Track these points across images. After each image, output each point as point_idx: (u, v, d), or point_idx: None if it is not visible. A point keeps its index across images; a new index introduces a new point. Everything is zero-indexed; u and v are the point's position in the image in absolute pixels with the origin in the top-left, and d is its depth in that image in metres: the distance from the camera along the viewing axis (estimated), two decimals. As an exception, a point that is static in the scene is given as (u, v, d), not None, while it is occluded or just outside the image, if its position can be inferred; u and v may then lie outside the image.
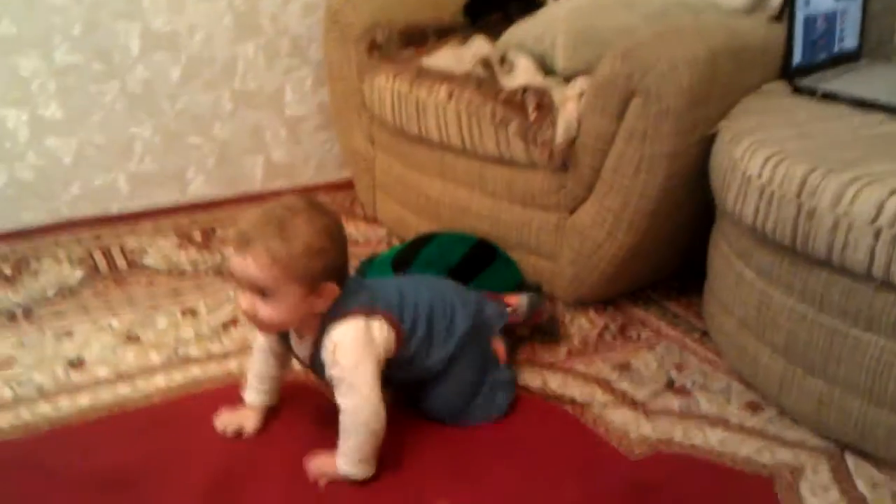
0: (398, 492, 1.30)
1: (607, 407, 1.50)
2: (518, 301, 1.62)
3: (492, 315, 1.52)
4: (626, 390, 1.55)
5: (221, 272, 2.02)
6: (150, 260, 2.11)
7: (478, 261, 1.78)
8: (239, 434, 1.41)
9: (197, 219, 2.35)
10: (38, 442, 1.41)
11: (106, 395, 1.53)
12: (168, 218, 2.34)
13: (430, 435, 1.42)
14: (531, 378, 1.58)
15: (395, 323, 1.35)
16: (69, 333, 1.75)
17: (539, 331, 1.71)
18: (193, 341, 1.71)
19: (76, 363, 1.64)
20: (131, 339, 1.73)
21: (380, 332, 1.32)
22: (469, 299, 1.49)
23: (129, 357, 1.66)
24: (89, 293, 1.94)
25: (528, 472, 1.34)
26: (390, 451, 1.35)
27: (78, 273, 2.03)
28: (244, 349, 1.61)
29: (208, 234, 2.25)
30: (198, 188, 2.45)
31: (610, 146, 1.66)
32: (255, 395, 1.44)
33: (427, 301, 1.41)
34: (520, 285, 1.78)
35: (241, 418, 1.42)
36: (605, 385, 1.57)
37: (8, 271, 2.04)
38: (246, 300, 1.26)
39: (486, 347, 1.49)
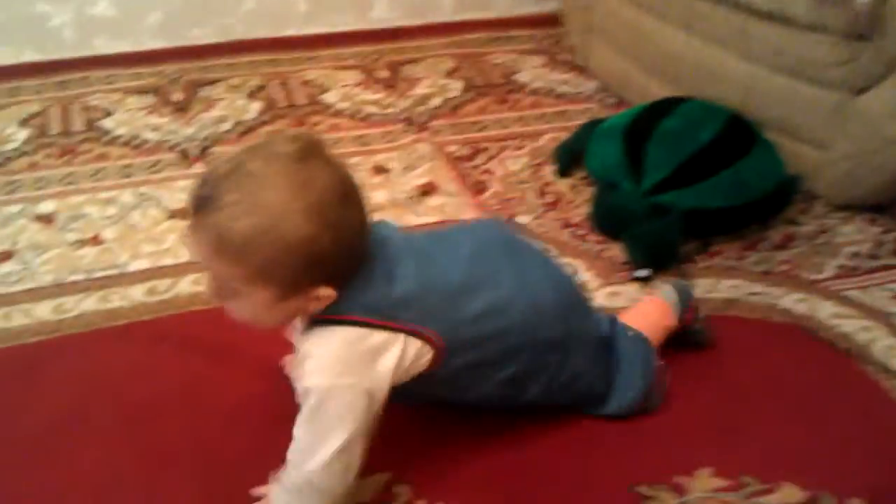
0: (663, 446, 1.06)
1: (892, 352, 1.21)
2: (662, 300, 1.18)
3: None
4: (915, 331, 1.25)
5: (411, 120, 1.76)
6: (333, 97, 1.86)
7: (733, 143, 1.45)
8: None
9: (380, 50, 2.07)
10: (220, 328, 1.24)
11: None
12: (348, 47, 2.07)
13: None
14: (792, 301, 1.29)
15: (430, 338, 0.91)
16: (250, 183, 1.55)
17: (685, 338, 1.19)
18: (388, 207, 1.48)
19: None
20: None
21: (396, 355, 0.89)
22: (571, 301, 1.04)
23: (318, 222, 1.45)
24: (267, 133, 1.72)
25: (803, 427, 1.09)
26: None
27: (255, 106, 1.82)
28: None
29: (395, 71, 1.98)
30: (380, 13, 2.16)
31: (936, 15, 1.27)
32: None
33: (503, 301, 0.96)
34: (782, 179, 1.46)
35: None
36: (886, 321, 1.26)
37: (179, 96, 1.84)
38: (210, 287, 0.88)
39: (592, 335, 1.07)
